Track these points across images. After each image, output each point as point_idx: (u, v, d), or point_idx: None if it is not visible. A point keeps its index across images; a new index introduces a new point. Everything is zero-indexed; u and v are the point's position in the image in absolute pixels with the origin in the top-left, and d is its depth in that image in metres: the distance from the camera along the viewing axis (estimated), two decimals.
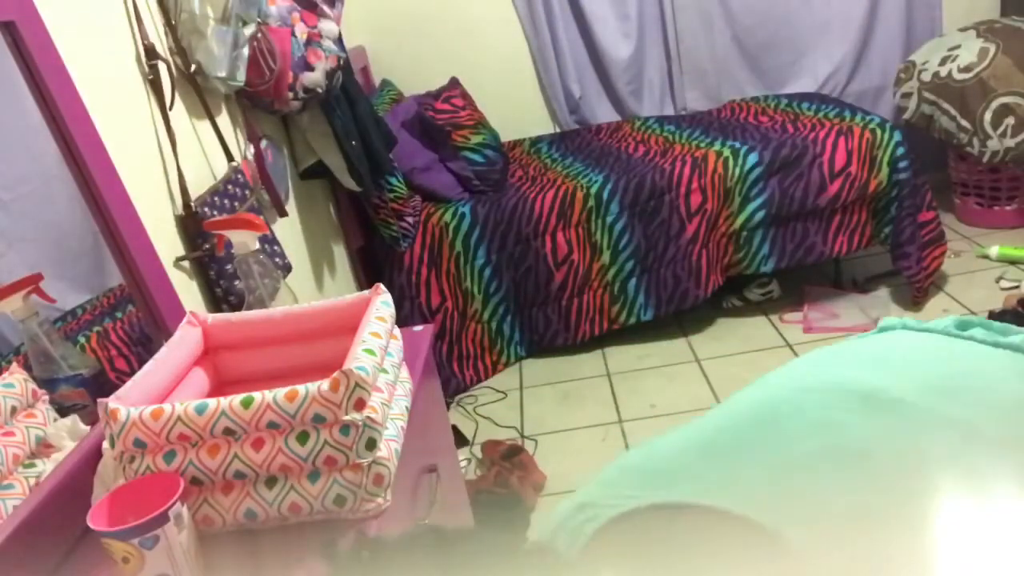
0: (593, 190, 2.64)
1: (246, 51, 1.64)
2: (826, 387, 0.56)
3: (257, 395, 0.86)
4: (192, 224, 1.42)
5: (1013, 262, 2.82)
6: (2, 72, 1.02)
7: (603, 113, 3.51)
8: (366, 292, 1.11)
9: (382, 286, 1.12)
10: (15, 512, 0.87)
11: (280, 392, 0.86)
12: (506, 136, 3.20)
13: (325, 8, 1.94)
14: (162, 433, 0.86)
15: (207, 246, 1.42)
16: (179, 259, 1.39)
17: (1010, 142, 2.78)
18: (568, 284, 2.72)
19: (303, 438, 0.87)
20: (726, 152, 2.64)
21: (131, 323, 1.17)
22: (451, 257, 2.69)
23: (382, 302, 1.08)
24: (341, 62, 1.95)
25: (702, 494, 0.48)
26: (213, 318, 1.12)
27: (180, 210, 1.43)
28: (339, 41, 1.96)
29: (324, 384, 0.86)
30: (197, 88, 1.56)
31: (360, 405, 0.87)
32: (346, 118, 2.10)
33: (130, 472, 0.88)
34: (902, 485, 0.45)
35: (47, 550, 0.90)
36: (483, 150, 2.77)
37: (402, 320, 2.75)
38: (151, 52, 1.39)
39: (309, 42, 1.83)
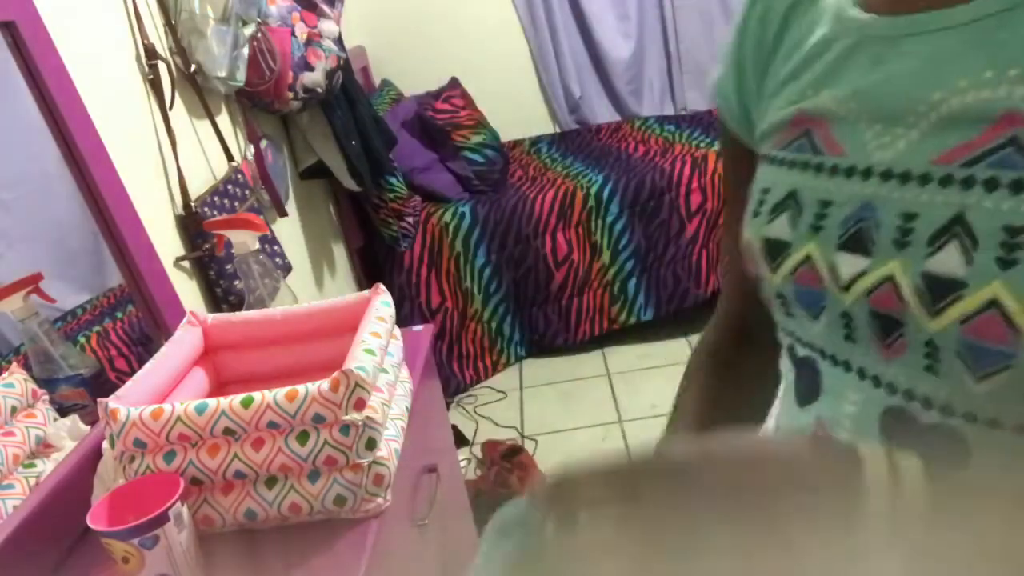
0: (593, 190, 2.64)
1: (246, 51, 1.64)
2: None
3: (257, 395, 0.86)
4: (192, 224, 1.42)
5: None
6: (2, 72, 1.01)
7: (603, 113, 3.50)
8: (366, 292, 1.11)
9: (382, 286, 1.12)
10: (15, 512, 0.87)
11: (280, 392, 0.86)
12: (506, 136, 3.20)
13: (325, 8, 1.94)
14: (162, 433, 0.86)
15: (207, 246, 1.42)
16: (179, 259, 1.39)
17: None
18: (568, 284, 2.72)
19: (303, 438, 0.87)
20: None
21: (131, 323, 1.17)
22: (451, 257, 2.69)
23: (382, 302, 1.08)
24: (341, 62, 1.95)
25: None
26: (213, 318, 1.12)
27: (180, 210, 1.43)
28: (339, 41, 1.96)
29: (324, 384, 0.86)
30: (197, 88, 1.56)
31: (360, 405, 0.87)
32: (346, 118, 2.10)
33: (130, 472, 0.88)
34: None
35: (47, 550, 0.90)
36: (483, 150, 2.76)
37: (402, 320, 2.74)
38: (151, 52, 1.39)
39: (309, 42, 1.83)
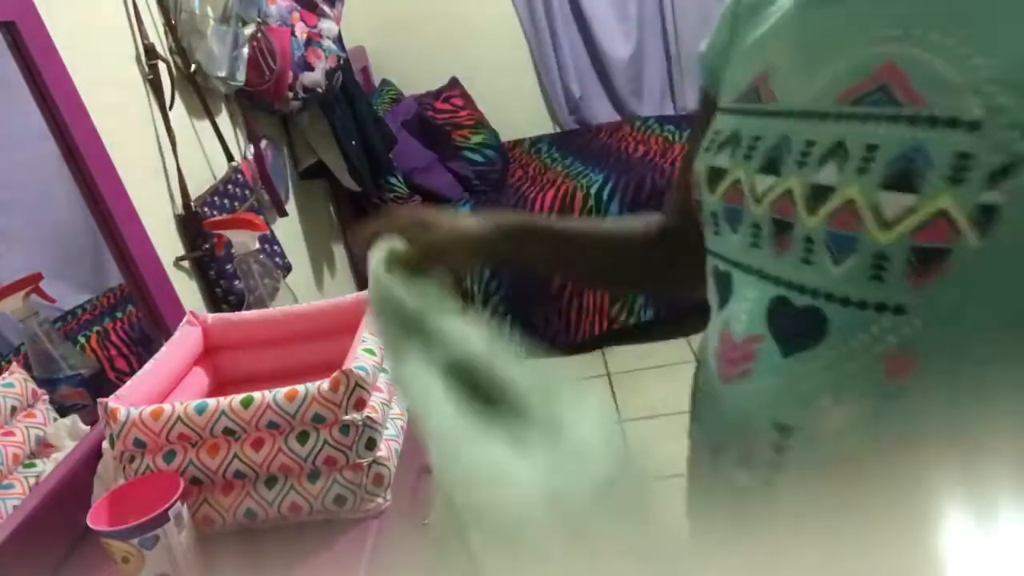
0: (593, 190, 2.64)
1: (246, 51, 1.64)
2: None
3: (257, 395, 0.86)
4: (192, 224, 1.42)
5: None
6: (2, 72, 1.02)
7: (603, 113, 3.50)
8: (366, 292, 1.11)
9: None
10: (15, 512, 0.87)
11: (280, 392, 0.86)
12: (506, 136, 3.20)
13: (325, 8, 1.94)
14: (162, 433, 0.86)
15: (207, 246, 1.42)
16: (179, 259, 1.39)
17: None
18: (568, 284, 2.72)
19: (303, 438, 0.87)
20: None
21: (131, 323, 1.17)
22: None
23: None
24: (341, 62, 1.95)
25: None
26: (213, 318, 1.12)
27: (180, 210, 1.43)
28: (339, 41, 1.96)
29: (324, 384, 0.86)
30: (197, 88, 1.56)
31: (360, 405, 0.87)
32: (346, 118, 2.10)
33: (130, 472, 0.88)
34: None
35: (47, 550, 0.90)
36: (483, 150, 2.77)
37: None
38: (151, 52, 1.39)
39: (309, 42, 1.84)
